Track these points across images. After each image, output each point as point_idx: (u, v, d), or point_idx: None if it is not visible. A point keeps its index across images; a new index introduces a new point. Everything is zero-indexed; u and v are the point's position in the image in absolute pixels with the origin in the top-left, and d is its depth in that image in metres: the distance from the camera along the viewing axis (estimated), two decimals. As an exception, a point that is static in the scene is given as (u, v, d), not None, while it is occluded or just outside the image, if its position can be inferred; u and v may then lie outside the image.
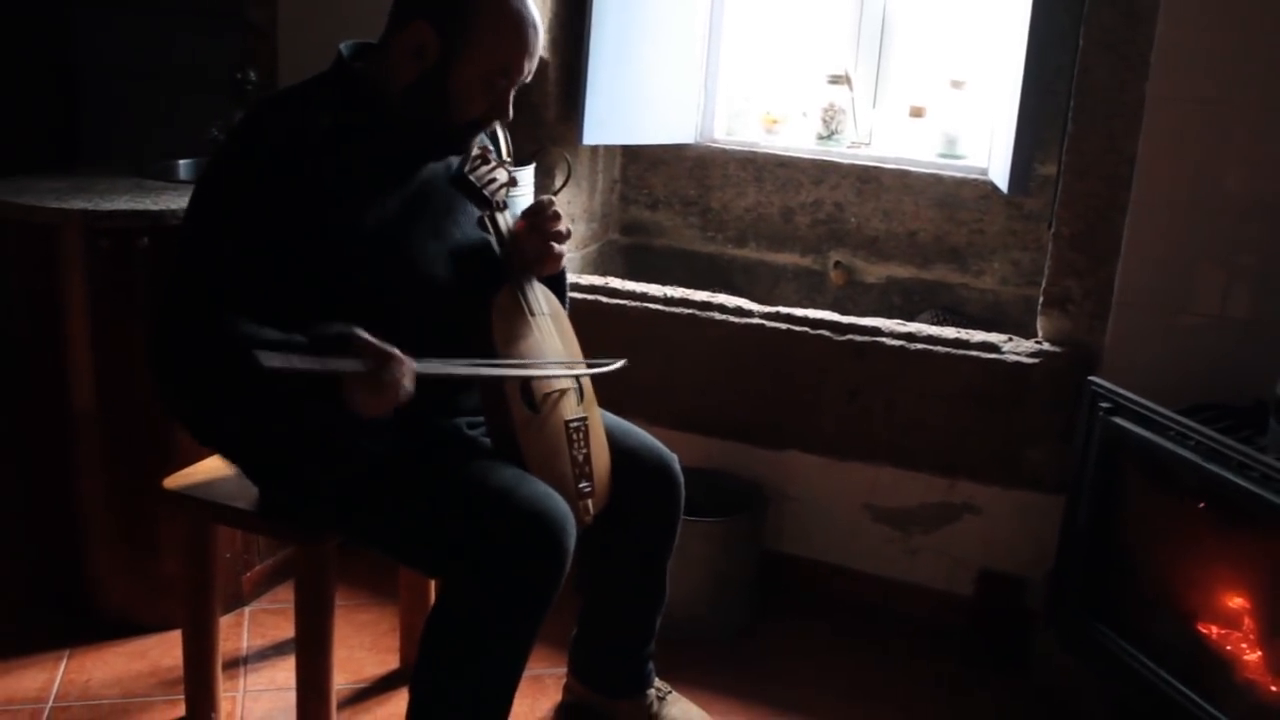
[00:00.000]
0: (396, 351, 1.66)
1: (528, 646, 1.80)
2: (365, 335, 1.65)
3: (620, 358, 2.03)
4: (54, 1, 4.10)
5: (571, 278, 2.54)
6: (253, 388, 1.61)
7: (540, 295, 1.98)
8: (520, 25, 1.82)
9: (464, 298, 1.89)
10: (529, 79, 1.91)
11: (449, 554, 1.78)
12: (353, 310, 1.76)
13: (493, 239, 1.94)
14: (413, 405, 1.71)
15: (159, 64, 4.00)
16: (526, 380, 1.87)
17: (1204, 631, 2.10)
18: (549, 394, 1.90)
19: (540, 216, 1.96)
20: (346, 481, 1.86)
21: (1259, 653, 2.02)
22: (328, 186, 1.78)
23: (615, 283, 2.86)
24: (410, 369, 1.67)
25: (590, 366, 2.00)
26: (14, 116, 4.04)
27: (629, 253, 3.47)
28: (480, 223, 1.95)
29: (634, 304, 2.78)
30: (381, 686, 2.41)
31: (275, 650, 2.52)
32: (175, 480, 2.14)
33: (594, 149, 3.24)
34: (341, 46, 1.91)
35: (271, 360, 1.51)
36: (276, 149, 1.77)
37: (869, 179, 3.17)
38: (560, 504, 1.79)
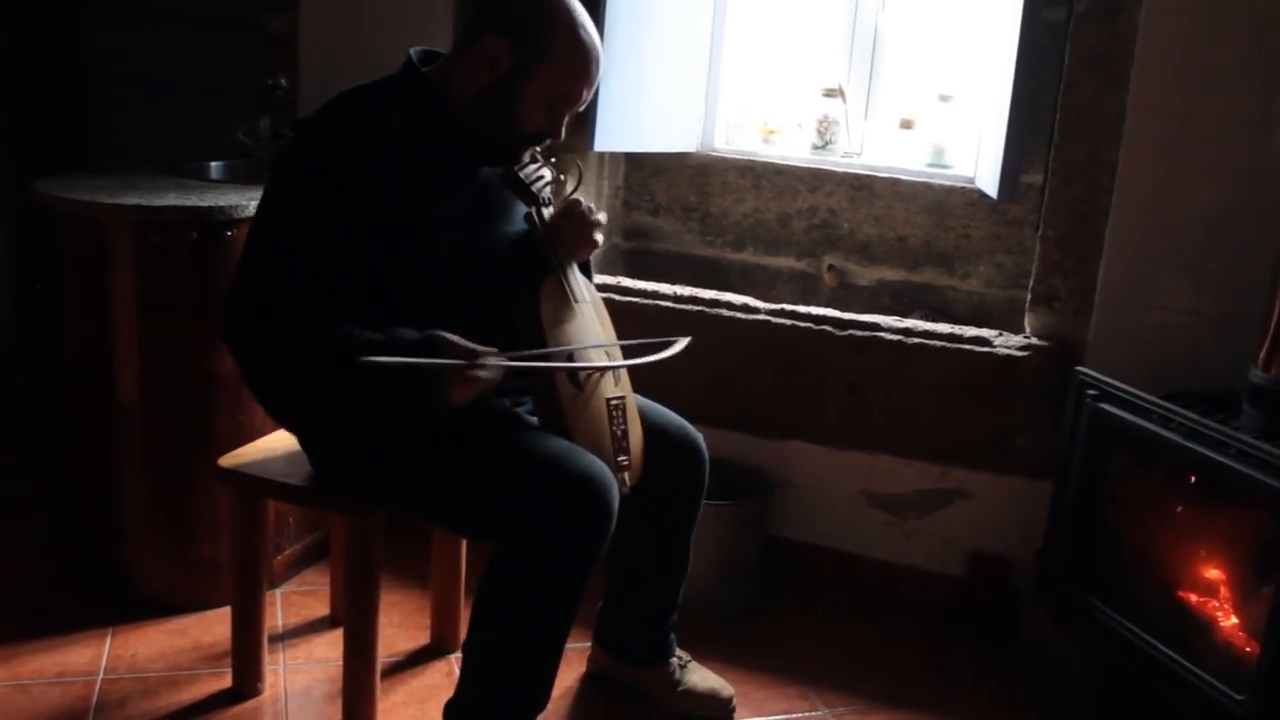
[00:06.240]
0: (481, 349, 1.83)
1: (576, 604, 1.94)
2: (451, 337, 1.82)
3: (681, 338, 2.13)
4: (65, 10, 4.21)
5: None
6: (351, 381, 1.77)
7: (581, 283, 2.13)
8: (588, 59, 1.98)
9: (514, 287, 2.04)
10: (584, 107, 2.07)
11: (503, 517, 1.91)
12: (413, 301, 1.92)
13: (539, 232, 2.10)
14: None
15: (168, 70, 4.11)
16: (573, 358, 2.02)
17: (1185, 599, 2.28)
18: (591, 374, 2.06)
19: (574, 213, 2.12)
20: (403, 454, 2.00)
21: (1234, 617, 2.21)
22: (399, 184, 1.92)
23: (627, 282, 3.02)
24: (495, 362, 1.84)
25: (651, 349, 2.10)
26: (27, 121, 4.14)
27: (631, 257, 3.63)
28: (527, 218, 2.10)
29: (645, 301, 2.94)
30: (415, 660, 2.54)
31: (309, 628, 2.64)
32: (229, 459, 2.27)
33: (600, 157, 3.39)
34: (411, 51, 2.05)
35: (374, 359, 1.70)
36: (352, 145, 1.90)
37: (861, 187, 3.35)
38: (605, 470, 1.94)
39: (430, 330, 1.84)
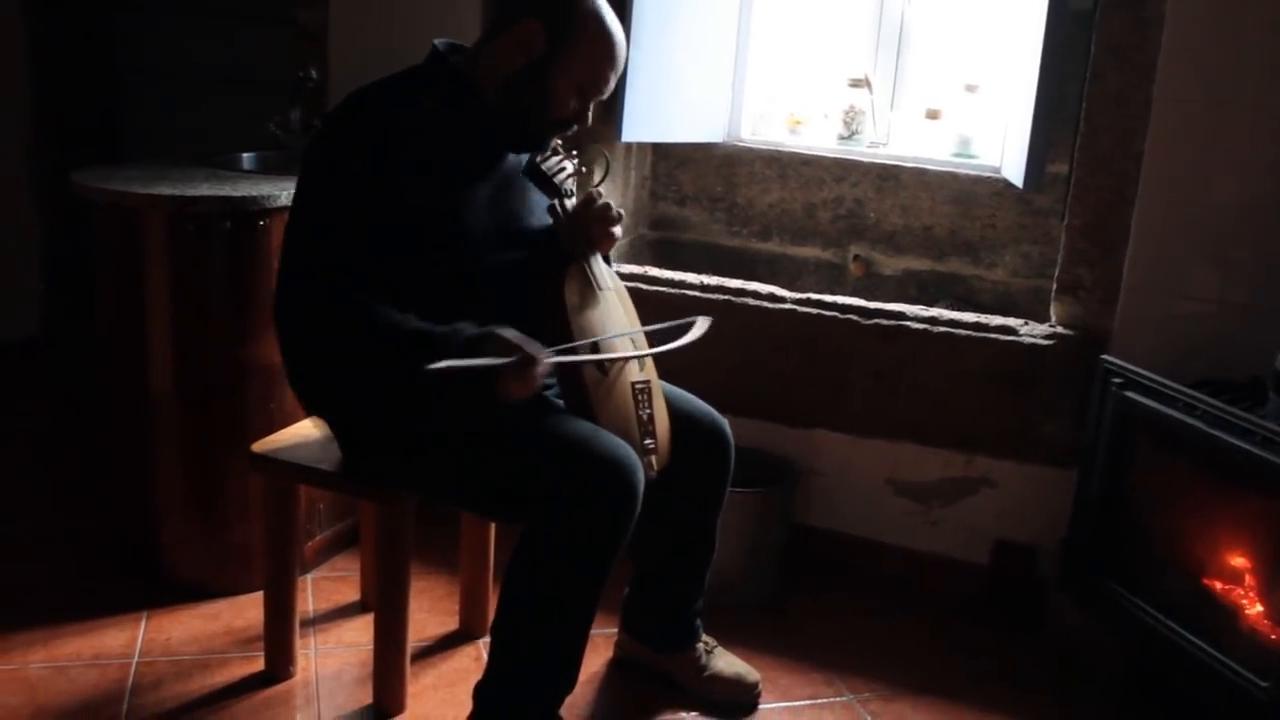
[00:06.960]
0: (534, 345, 1.87)
1: (602, 586, 1.96)
2: (507, 333, 1.85)
3: (702, 317, 2.19)
4: (99, 6, 4.26)
5: (614, 267, 2.72)
6: (409, 377, 1.80)
7: (604, 271, 2.16)
8: (614, 47, 2.05)
9: (538, 275, 2.07)
10: (606, 96, 2.12)
11: (530, 500, 1.94)
12: (438, 287, 1.95)
13: (562, 223, 2.12)
14: None
15: (200, 65, 4.17)
16: (597, 345, 2.05)
17: (1209, 586, 2.28)
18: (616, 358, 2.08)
19: (593, 207, 2.15)
20: (432, 440, 2.03)
21: (1259, 604, 2.21)
22: (426, 168, 1.95)
23: (653, 271, 3.04)
24: (545, 358, 1.87)
25: (675, 332, 2.15)
26: (62, 116, 4.20)
27: (657, 247, 3.65)
28: (550, 209, 2.13)
29: (672, 291, 2.96)
30: (444, 645, 2.56)
31: (339, 613, 2.67)
32: (262, 445, 2.30)
33: (627, 147, 3.41)
34: (436, 42, 2.10)
35: (436, 364, 1.74)
36: (375, 133, 1.94)
37: (888, 177, 3.36)
38: (630, 452, 1.96)
39: (489, 328, 1.87)
